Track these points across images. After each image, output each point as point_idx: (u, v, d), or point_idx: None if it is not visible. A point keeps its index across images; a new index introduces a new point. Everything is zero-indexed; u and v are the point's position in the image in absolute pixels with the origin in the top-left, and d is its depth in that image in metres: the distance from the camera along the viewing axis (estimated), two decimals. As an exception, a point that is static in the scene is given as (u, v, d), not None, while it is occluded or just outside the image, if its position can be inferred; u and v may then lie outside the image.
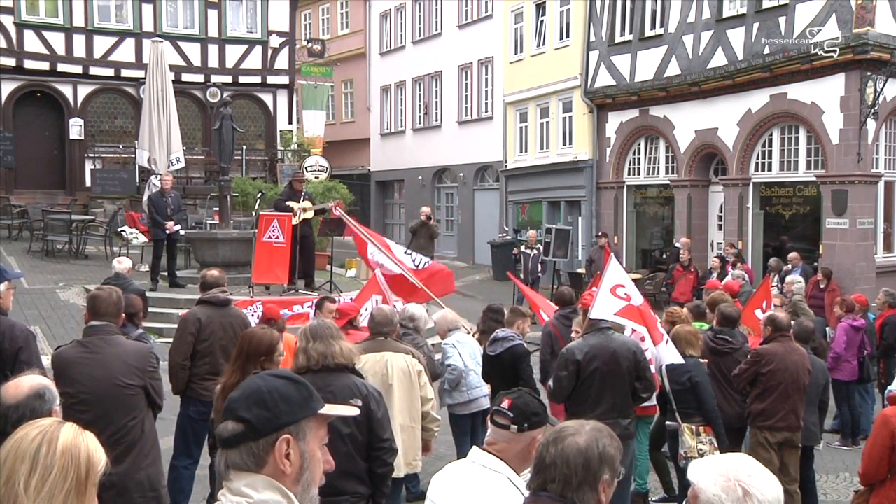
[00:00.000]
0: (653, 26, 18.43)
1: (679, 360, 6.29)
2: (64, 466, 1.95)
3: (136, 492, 4.63)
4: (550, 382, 6.34)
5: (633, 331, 6.43)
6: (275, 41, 23.03)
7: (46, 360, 6.02)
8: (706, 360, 6.87)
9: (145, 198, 15.41)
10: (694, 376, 6.42)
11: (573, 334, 6.90)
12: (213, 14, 22.27)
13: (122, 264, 9.31)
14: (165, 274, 13.88)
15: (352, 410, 2.14)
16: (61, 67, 20.92)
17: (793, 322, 7.21)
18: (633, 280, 7.43)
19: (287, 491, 1.87)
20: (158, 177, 15.13)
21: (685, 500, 2.20)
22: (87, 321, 4.98)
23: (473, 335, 7.91)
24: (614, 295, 6.22)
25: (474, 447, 3.02)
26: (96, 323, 4.83)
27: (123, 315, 5.35)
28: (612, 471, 2.34)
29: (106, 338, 4.76)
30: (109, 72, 21.42)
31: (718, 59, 16.64)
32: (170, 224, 13.26)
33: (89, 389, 4.62)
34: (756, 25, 15.93)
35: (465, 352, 7.34)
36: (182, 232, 14.13)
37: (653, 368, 6.34)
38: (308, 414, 1.94)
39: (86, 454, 2.00)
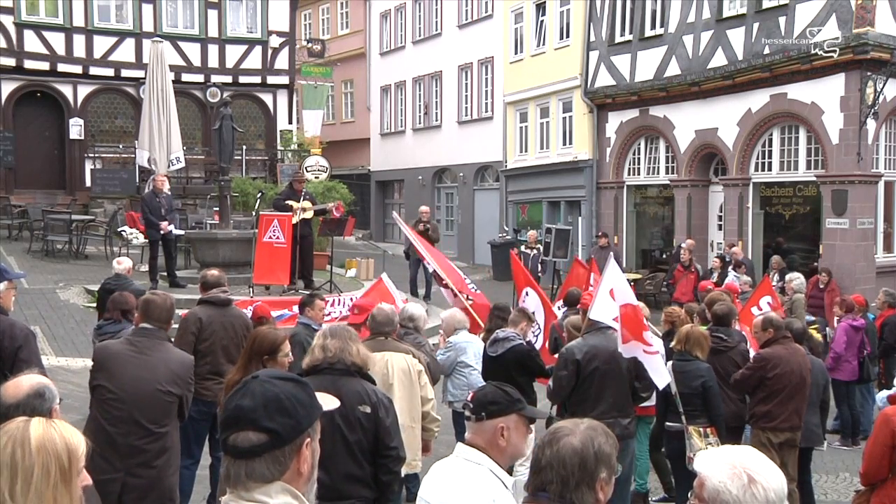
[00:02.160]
0: (653, 26, 18.43)
1: (666, 380, 6.20)
2: (44, 463, 1.94)
3: (156, 499, 4.66)
4: (550, 382, 6.34)
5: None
6: (275, 41, 23.04)
7: (46, 360, 6.03)
8: None
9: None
10: (706, 381, 6.37)
11: (564, 334, 6.92)
12: (213, 14, 22.28)
13: (122, 265, 9.30)
14: (166, 274, 13.87)
15: (333, 403, 2.14)
16: (61, 67, 20.94)
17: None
18: (633, 280, 7.43)
19: (297, 492, 1.88)
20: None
21: (688, 500, 2.21)
22: (138, 323, 5.03)
23: (479, 335, 7.93)
24: (612, 298, 6.21)
25: (458, 443, 3.06)
26: (147, 325, 4.88)
27: (133, 314, 5.37)
28: (608, 469, 2.34)
29: (155, 341, 4.81)
30: (109, 72, 21.43)
31: (718, 59, 16.64)
32: (164, 224, 13.25)
33: (130, 388, 4.64)
34: (756, 25, 15.92)
35: (471, 351, 7.38)
36: (179, 232, 14.12)
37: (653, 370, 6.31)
38: (319, 414, 1.95)
39: (63, 444, 1.98)
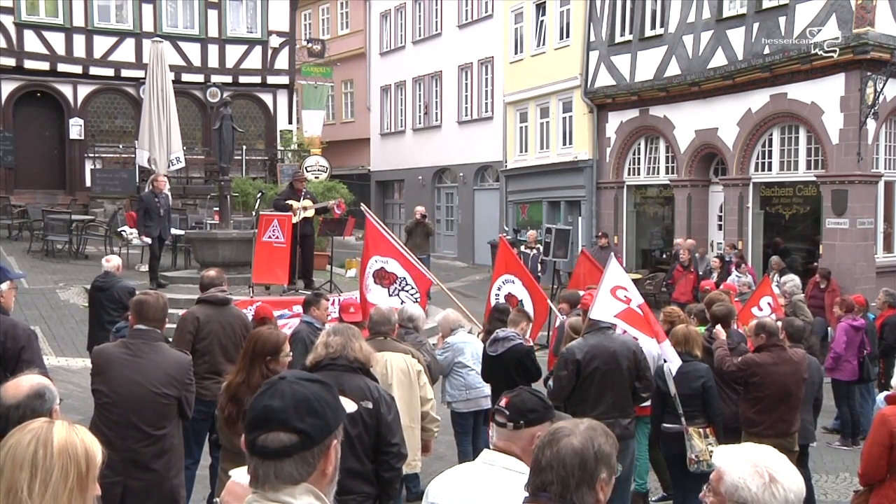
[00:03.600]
0: (653, 26, 18.43)
1: (677, 362, 6.23)
2: (63, 466, 1.95)
3: (158, 502, 4.66)
4: (550, 382, 6.34)
5: (625, 331, 6.40)
6: (275, 41, 23.05)
7: (46, 360, 6.02)
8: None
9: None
10: (706, 381, 6.35)
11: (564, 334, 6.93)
12: (213, 14, 22.29)
13: (110, 262, 9.32)
14: (163, 273, 13.88)
15: (351, 406, 2.17)
16: (61, 67, 20.94)
17: (779, 322, 7.17)
18: (633, 280, 7.43)
19: (320, 493, 1.90)
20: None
21: (703, 491, 2.21)
22: (133, 324, 5.01)
23: (478, 335, 7.93)
24: (614, 296, 6.21)
25: (485, 450, 3.00)
26: (143, 327, 4.86)
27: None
28: (609, 469, 2.33)
29: (150, 343, 4.79)
30: (109, 72, 21.44)
31: (718, 59, 16.63)
32: (144, 238, 13.48)
33: (125, 392, 4.63)
34: (756, 25, 15.92)
35: (469, 351, 7.37)
36: (179, 232, 14.14)
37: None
38: (344, 416, 1.98)
39: (83, 450, 2.00)
